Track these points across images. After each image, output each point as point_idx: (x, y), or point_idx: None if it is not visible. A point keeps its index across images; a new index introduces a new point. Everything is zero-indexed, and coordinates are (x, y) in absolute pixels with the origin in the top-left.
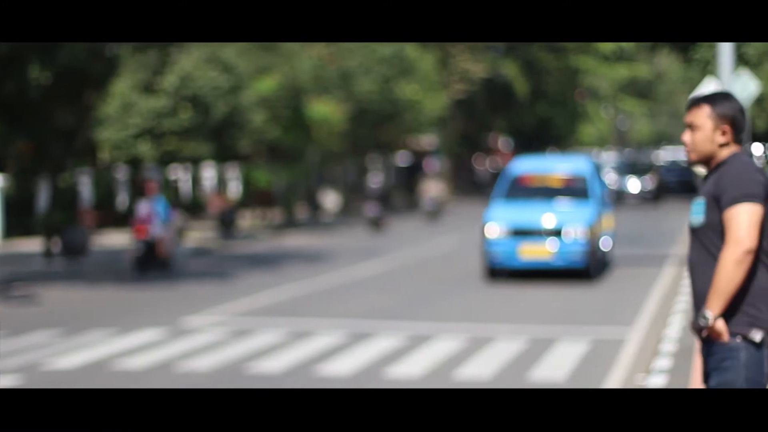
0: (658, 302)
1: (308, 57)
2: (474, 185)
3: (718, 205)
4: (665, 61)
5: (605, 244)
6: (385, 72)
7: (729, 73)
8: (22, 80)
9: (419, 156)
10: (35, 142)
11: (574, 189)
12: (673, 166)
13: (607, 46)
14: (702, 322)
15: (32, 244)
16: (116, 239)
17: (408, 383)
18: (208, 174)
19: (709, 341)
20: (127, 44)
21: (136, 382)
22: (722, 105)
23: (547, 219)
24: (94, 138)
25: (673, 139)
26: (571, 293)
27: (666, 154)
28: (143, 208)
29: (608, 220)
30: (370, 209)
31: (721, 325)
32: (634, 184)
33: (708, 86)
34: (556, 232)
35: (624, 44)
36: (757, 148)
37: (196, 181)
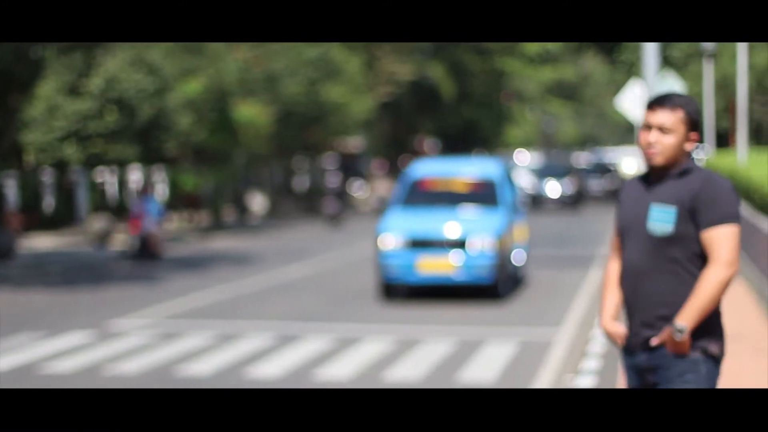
0: (584, 304)
1: (234, 59)
2: None
3: (692, 219)
4: (591, 63)
5: (517, 257)
6: (311, 74)
7: (654, 75)
8: None
9: (346, 158)
10: None
11: (482, 195)
12: (597, 168)
13: (532, 48)
14: (677, 336)
15: None
16: (43, 242)
17: (338, 385)
18: (135, 177)
19: (658, 354)
20: (52, 46)
21: (65, 386)
22: (694, 111)
23: (450, 229)
24: (20, 140)
25: (600, 141)
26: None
27: (590, 156)
28: (136, 206)
29: (521, 231)
30: (329, 207)
31: (687, 338)
32: (553, 188)
33: (633, 88)
34: (460, 244)
35: (549, 46)
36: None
37: (122, 183)
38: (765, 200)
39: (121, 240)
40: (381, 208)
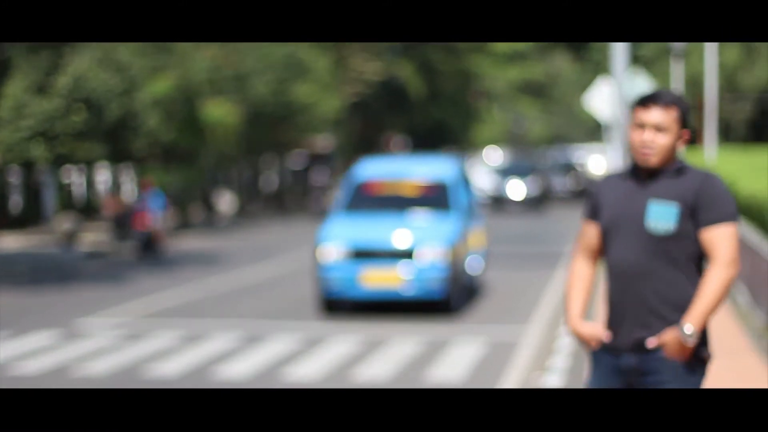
0: (550, 302)
1: (202, 58)
2: None
3: (692, 217)
4: (559, 62)
5: (473, 266)
6: (280, 73)
7: (623, 73)
8: None
9: (315, 158)
10: None
11: (433, 199)
12: (562, 167)
13: (500, 47)
14: (688, 341)
15: None
16: (10, 242)
17: (306, 385)
18: (103, 176)
19: (651, 358)
20: (19, 45)
21: (31, 386)
22: (686, 108)
23: (398, 237)
24: None
25: (569, 139)
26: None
27: (556, 155)
28: (139, 202)
29: (477, 237)
30: (317, 204)
31: (694, 342)
32: (515, 188)
33: (601, 86)
34: (409, 254)
35: (518, 45)
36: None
37: (90, 183)
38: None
39: (89, 240)
40: (322, 213)
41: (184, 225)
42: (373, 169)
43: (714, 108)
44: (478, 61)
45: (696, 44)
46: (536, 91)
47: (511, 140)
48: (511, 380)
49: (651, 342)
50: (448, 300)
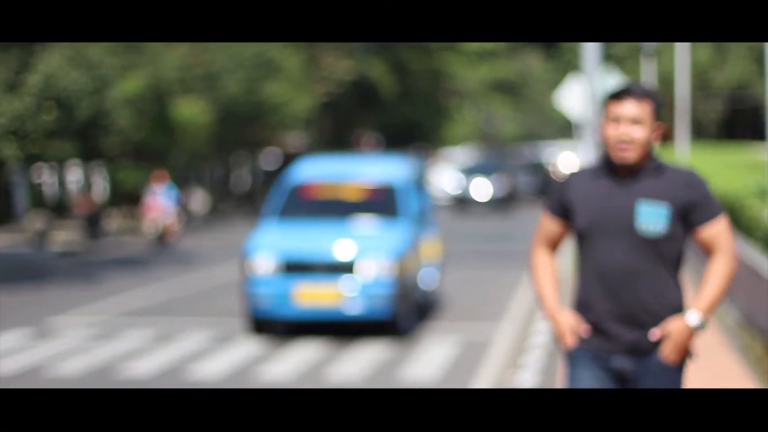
0: (522, 302)
1: (173, 57)
2: None
3: (682, 218)
4: (530, 61)
5: (426, 280)
6: (251, 72)
7: (594, 72)
8: None
9: (287, 157)
10: None
11: (380, 204)
12: (531, 165)
13: (472, 46)
14: (699, 331)
15: None
16: None
17: (280, 385)
18: (74, 175)
19: (648, 363)
20: None
21: (2, 386)
22: (659, 101)
23: (338, 248)
24: None
25: (540, 137)
26: (440, 289)
27: (525, 153)
28: (150, 196)
29: (431, 247)
30: None
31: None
32: (481, 188)
33: (572, 84)
34: (349, 268)
35: (489, 44)
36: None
37: (61, 182)
38: None
39: (61, 239)
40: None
41: None
42: (312, 171)
43: (686, 106)
44: (450, 60)
45: (667, 43)
46: (508, 89)
47: (482, 138)
48: (485, 379)
49: (654, 334)
50: (395, 320)
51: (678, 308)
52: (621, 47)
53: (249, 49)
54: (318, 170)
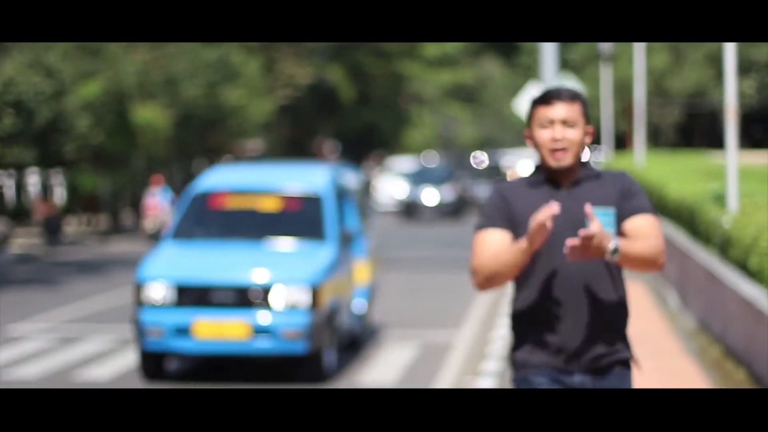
0: (482, 307)
1: (132, 62)
2: None
3: (621, 219)
4: (489, 66)
5: (355, 308)
6: (210, 77)
7: (552, 77)
8: None
9: (245, 162)
10: None
11: (299, 219)
12: (484, 172)
13: (431, 51)
14: (610, 257)
15: None
16: None
17: (246, 385)
18: (33, 180)
19: (607, 378)
20: None
21: None
22: (587, 103)
23: (247, 272)
24: None
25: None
26: (398, 295)
27: (480, 159)
28: (150, 197)
29: (363, 269)
30: None
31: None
32: (430, 195)
33: (532, 90)
34: (260, 295)
35: (448, 49)
36: (584, 154)
37: (20, 187)
38: (662, 202)
39: (20, 244)
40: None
41: (114, 229)
42: (221, 180)
43: (643, 112)
44: (409, 66)
45: (624, 49)
46: (466, 95)
47: (441, 144)
48: (444, 383)
49: (582, 232)
50: (316, 355)
51: (627, 315)
52: (578, 53)
53: (208, 53)
54: (228, 180)
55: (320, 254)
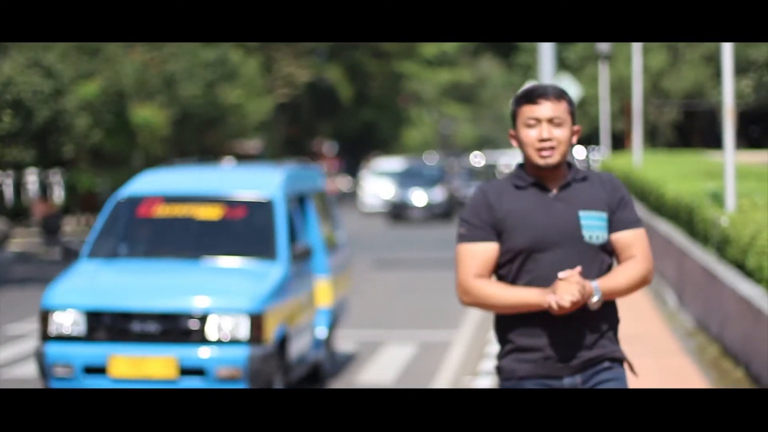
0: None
1: (131, 61)
2: None
3: (610, 222)
4: (488, 66)
5: (312, 336)
6: (209, 76)
7: (550, 77)
8: None
9: (244, 161)
10: None
11: (244, 234)
12: (477, 172)
13: (429, 51)
14: (592, 304)
15: None
16: None
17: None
18: (32, 179)
19: (594, 372)
20: None
21: None
22: (573, 102)
23: (176, 296)
24: None
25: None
26: (396, 296)
27: (475, 159)
28: None
29: (324, 290)
30: None
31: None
32: (418, 196)
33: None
34: (195, 325)
35: (446, 48)
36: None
37: (19, 186)
38: (660, 201)
39: (19, 243)
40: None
41: None
42: (150, 185)
43: (640, 112)
44: (407, 65)
45: (622, 49)
46: (465, 95)
47: (439, 144)
48: (442, 383)
49: (563, 273)
50: (263, 389)
51: (617, 319)
52: (576, 53)
53: (206, 53)
54: (160, 183)
55: (268, 274)
